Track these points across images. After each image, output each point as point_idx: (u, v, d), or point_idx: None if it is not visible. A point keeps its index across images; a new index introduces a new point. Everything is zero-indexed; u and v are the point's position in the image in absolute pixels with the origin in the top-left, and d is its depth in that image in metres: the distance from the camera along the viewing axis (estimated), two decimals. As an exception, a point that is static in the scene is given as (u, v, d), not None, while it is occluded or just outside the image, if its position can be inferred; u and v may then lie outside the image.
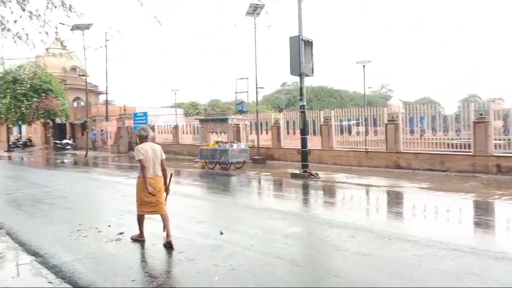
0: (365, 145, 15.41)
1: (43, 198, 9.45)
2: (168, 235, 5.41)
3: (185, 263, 4.79)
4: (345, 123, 16.87)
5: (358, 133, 16.55)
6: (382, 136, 15.22)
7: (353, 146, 16.12)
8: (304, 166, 12.64)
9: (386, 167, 14.25)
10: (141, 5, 7.69)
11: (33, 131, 39.22)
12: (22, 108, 29.37)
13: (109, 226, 6.56)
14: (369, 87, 65.01)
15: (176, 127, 24.30)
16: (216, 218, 7.23)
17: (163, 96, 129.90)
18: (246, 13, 18.31)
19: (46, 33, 7.77)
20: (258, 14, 18.03)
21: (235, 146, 15.35)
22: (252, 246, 5.38)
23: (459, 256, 4.82)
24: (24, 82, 29.66)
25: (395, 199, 9.42)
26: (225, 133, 18.23)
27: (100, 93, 48.41)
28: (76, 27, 30.45)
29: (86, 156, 24.27)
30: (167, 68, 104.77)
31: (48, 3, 7.30)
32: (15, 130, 39.34)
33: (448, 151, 13.42)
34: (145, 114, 25.43)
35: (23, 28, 7.85)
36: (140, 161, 5.45)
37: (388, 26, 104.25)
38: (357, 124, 17.06)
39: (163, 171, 5.73)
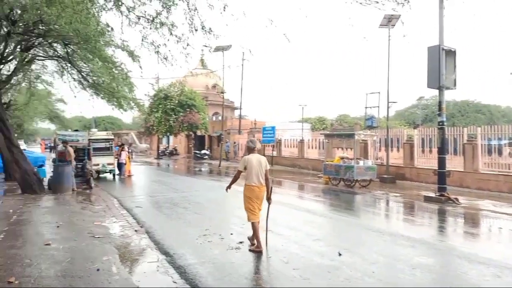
0: (521, 169, 12.96)
1: (180, 202, 10.48)
2: (256, 236, 5.82)
3: (299, 281, 4.65)
4: (494, 142, 14.56)
5: (511, 155, 14.12)
6: (545, 159, 12.63)
7: (504, 169, 13.78)
8: (441, 189, 11.27)
9: (550, 196, 11.69)
10: (271, 23, 8.03)
11: (178, 142, 44.41)
12: (170, 121, 33.54)
13: (231, 234, 6.86)
14: (528, 101, 55.53)
15: (301, 141, 24.52)
16: (336, 238, 6.91)
17: (292, 111, 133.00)
18: (380, 24, 17.55)
19: (186, 55, 8.71)
20: (393, 26, 17.11)
21: (361, 163, 14.65)
22: (373, 273, 4.94)
23: None
24: (173, 99, 33.97)
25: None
26: (351, 149, 17.57)
27: (235, 108, 52.23)
28: (217, 49, 33.73)
29: (219, 165, 26.31)
30: (296, 83, 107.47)
31: (190, 26, 8.17)
32: (164, 140, 45.13)
33: None
34: (273, 128, 26.35)
35: (169, 50, 8.97)
36: (238, 171, 6.03)
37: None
38: (510, 144, 14.57)
39: (266, 180, 5.94)
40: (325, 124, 44.00)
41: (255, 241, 5.84)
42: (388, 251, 5.98)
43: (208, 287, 4.48)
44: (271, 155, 26.62)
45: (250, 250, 5.84)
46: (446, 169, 11.87)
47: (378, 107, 21.31)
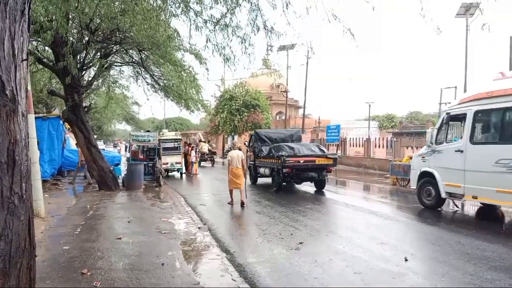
0: None
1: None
2: (242, 198, 9.84)
3: (360, 285, 4.47)
4: None
5: None
6: None
7: None
8: None
9: None
10: (335, 18, 7.80)
11: (243, 141, 45.29)
12: (235, 121, 34.30)
13: (291, 234, 6.80)
14: None
15: (368, 140, 23.63)
16: (402, 242, 6.52)
17: (358, 109, 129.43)
18: (457, 14, 16.40)
19: (249, 55, 8.80)
20: (472, 15, 15.87)
21: (432, 163, 13.68)
22: (443, 281, 4.59)
23: None
24: (238, 99, 34.70)
25: None
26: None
27: (299, 107, 51.98)
28: (281, 48, 33.77)
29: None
30: (362, 80, 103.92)
31: (252, 27, 8.24)
32: (229, 140, 46.31)
33: None
34: (337, 127, 25.74)
35: (232, 51, 9.13)
36: (228, 161, 10.18)
37: None
38: None
39: (242, 166, 9.99)
40: (393, 122, 41.96)
41: (231, 199, 10.00)
42: (463, 259, 5.49)
43: (266, 286, 4.48)
44: (335, 154, 26.05)
45: (228, 203, 9.85)
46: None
47: (453, 102, 19.88)
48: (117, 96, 25.28)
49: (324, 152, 13.39)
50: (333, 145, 26.36)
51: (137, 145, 15.96)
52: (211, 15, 8.68)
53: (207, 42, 8.92)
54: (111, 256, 5.37)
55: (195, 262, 5.39)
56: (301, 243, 6.17)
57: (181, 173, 18.44)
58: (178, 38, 11.21)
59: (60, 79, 12.03)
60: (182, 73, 12.84)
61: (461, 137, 8.92)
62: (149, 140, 16.18)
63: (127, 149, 20.63)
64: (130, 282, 4.43)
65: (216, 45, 9.28)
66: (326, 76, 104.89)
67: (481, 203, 9.10)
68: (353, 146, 25.57)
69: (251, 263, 5.27)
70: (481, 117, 8.52)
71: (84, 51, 11.47)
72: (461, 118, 9.00)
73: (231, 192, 10.05)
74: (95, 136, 18.68)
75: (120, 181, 13.53)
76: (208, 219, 8.27)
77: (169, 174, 18.42)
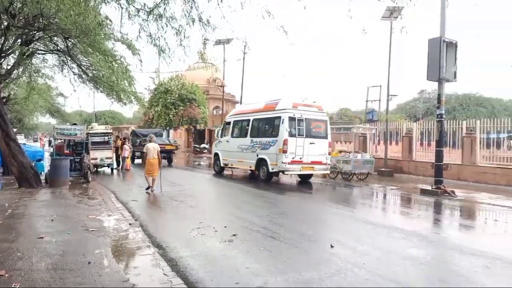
0: (519, 162, 13.00)
1: (176, 195, 10.51)
2: (153, 186, 11.09)
3: (290, 272, 4.66)
4: (493, 135, 14.54)
5: (510, 148, 14.08)
6: (543, 152, 12.64)
7: (502, 162, 13.76)
8: (438, 182, 11.27)
9: (547, 189, 11.77)
10: (269, 15, 7.94)
11: (178, 136, 44.43)
12: (170, 115, 33.56)
13: (225, 226, 6.87)
14: (530, 95, 55.16)
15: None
16: (329, 230, 6.92)
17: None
18: (382, 17, 17.49)
19: (185, 47, 8.69)
20: (396, 18, 17.04)
21: (359, 156, 14.64)
22: (364, 264, 4.95)
23: None
24: (173, 93, 33.93)
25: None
26: (350, 142, 17.57)
27: (236, 102, 52.16)
28: (218, 42, 33.55)
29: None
30: (296, 77, 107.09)
31: (187, 18, 8.12)
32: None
33: None
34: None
35: (166, 42, 8.93)
36: (145, 154, 11.35)
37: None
38: (510, 138, 14.54)
39: (158, 157, 11.14)
40: (325, 117, 43.85)
41: (148, 185, 11.09)
42: (380, 243, 5.98)
43: (198, 279, 4.50)
44: (176, 143, 26.68)
45: (146, 189, 11.10)
46: (444, 162, 11.85)
47: (379, 100, 21.34)
48: (40, 86, 23.40)
49: (170, 142, 24.05)
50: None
51: (62, 139, 14.95)
52: (144, 4, 8.42)
53: (140, 32, 8.64)
54: (32, 256, 5.02)
55: (125, 259, 5.23)
56: (234, 235, 6.25)
57: (112, 169, 17.65)
58: (109, 26, 10.69)
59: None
60: (113, 63, 12.26)
61: (230, 134, 16.11)
62: (76, 134, 15.24)
63: (51, 144, 19.26)
64: (53, 283, 4.18)
65: (150, 35, 9.02)
66: (263, 71, 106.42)
67: (237, 168, 16.29)
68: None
69: (184, 257, 5.24)
70: (235, 124, 16.02)
71: (3, 37, 10.48)
72: (229, 123, 16.41)
73: (148, 179, 11.18)
74: (15, 130, 17.18)
75: (43, 177, 12.61)
76: (140, 215, 8.04)
77: (99, 170, 17.53)
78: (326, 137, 13.75)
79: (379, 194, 12.24)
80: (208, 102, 41.13)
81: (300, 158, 12.98)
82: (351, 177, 14.59)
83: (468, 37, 76.58)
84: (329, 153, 13.86)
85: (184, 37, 8.63)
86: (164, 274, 4.60)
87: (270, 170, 13.28)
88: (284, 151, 12.71)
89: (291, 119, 13.01)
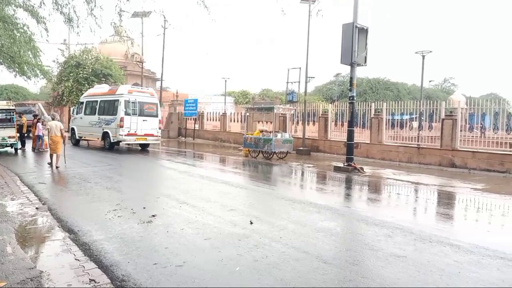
0: (418, 141, 14.51)
1: (90, 177, 9.92)
2: (57, 163, 11.36)
3: (210, 250, 4.71)
4: (397, 117, 16.01)
5: (411, 128, 15.64)
6: (437, 132, 14.24)
7: (404, 141, 15.26)
8: (349, 160, 12.16)
9: (439, 165, 13.33)
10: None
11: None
12: (83, 91, 31.17)
13: (144, 208, 6.68)
14: (430, 81, 61.51)
15: (224, 115, 24.52)
16: (249, 207, 7.11)
17: (216, 85, 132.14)
18: (301, 0, 17.89)
19: (96, 17, 8.06)
20: (314, 1, 17.56)
21: (279, 136, 15.14)
22: (280, 238, 5.19)
23: (507, 265, 4.30)
24: (86, 67, 31.46)
25: (444, 200, 8.72)
26: (271, 122, 18.06)
27: (157, 79, 50.18)
28: (135, 15, 31.67)
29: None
30: (220, 56, 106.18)
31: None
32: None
33: (509, 151, 12.24)
34: (195, 101, 25.92)
35: (74, 11, 8.20)
36: (48, 130, 11.58)
37: (454, 13, 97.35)
38: (412, 119, 16.12)
39: (61, 134, 11.51)
40: (248, 98, 44.40)
41: (50, 161, 11.47)
42: (296, 218, 6.32)
43: (113, 262, 4.34)
44: (192, 128, 26.28)
45: (48, 163, 11.60)
46: (354, 141, 12.78)
47: (299, 82, 22.06)
48: None
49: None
50: (191, 119, 26.47)
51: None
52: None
53: (43, -3, 7.80)
54: None
55: (32, 245, 4.84)
56: (153, 215, 6.13)
57: (16, 149, 16.01)
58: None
59: None
60: (15, 32, 10.99)
61: (83, 112, 19.44)
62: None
63: None
64: None
65: (56, 2, 8.21)
66: (186, 49, 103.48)
67: (89, 140, 20.24)
68: (211, 120, 26.22)
69: (98, 240, 5.00)
70: (87, 104, 19.34)
71: None
72: (82, 103, 19.80)
73: (51, 156, 11.46)
74: None
75: None
76: (48, 198, 7.44)
77: (0, 150, 15.79)
78: (157, 116, 18.11)
79: (297, 172, 12.85)
80: (126, 78, 38.92)
81: (135, 131, 17.11)
82: (271, 156, 15.07)
83: (381, 24, 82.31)
84: (160, 128, 18.32)
85: (95, 5, 8.02)
86: (75, 259, 4.35)
87: (112, 141, 17.23)
88: (121, 126, 16.73)
89: (127, 102, 16.88)
